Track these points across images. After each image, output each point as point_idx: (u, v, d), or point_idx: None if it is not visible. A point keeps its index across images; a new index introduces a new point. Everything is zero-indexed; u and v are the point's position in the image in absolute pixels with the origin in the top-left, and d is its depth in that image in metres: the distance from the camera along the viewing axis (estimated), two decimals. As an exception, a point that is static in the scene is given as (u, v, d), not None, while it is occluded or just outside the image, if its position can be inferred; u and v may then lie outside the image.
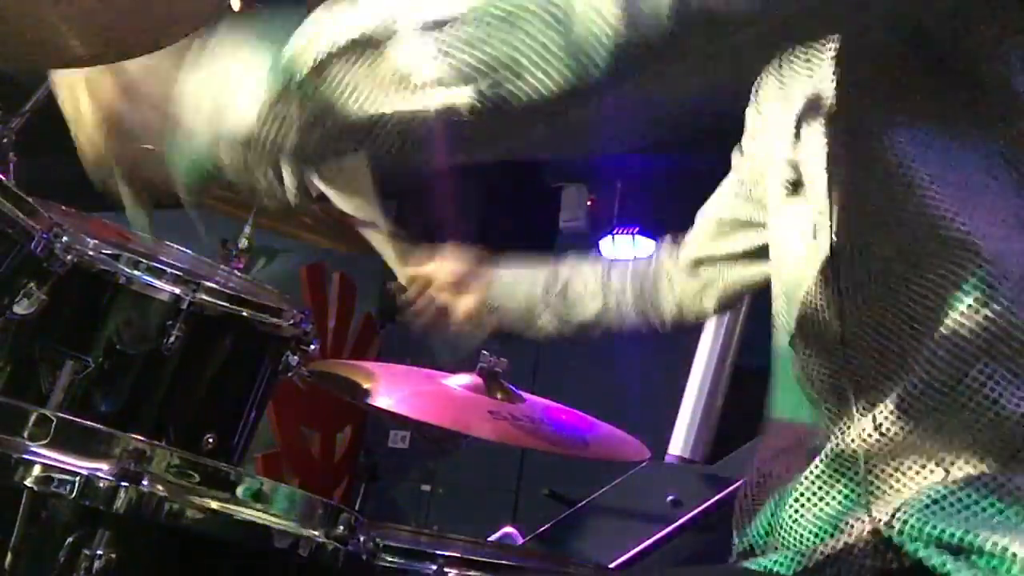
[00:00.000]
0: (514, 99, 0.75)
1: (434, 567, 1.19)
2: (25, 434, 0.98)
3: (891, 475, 0.93)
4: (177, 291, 1.45)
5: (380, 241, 1.49)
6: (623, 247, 4.64)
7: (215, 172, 0.85)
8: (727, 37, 0.76)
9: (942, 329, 0.90)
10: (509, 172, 4.90)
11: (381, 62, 0.78)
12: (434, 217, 4.74)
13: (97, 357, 1.43)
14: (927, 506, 0.89)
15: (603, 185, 4.82)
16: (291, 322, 1.60)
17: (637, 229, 4.60)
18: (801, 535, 0.98)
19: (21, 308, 1.32)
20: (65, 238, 1.35)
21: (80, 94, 0.97)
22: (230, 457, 1.57)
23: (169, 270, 1.47)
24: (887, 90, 0.96)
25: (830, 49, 1.03)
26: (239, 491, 1.04)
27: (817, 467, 0.99)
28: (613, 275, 1.58)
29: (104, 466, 0.98)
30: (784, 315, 1.12)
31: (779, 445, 1.12)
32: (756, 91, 1.29)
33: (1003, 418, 0.88)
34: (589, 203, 4.78)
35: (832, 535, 0.95)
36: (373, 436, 4.96)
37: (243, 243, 2.10)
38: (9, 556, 0.94)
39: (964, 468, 0.89)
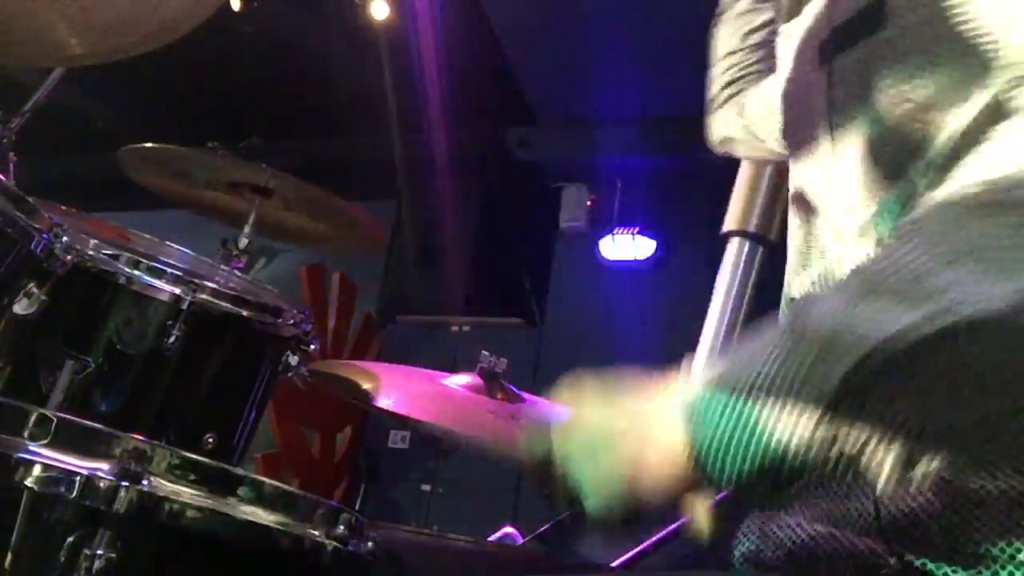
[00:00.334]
0: None
1: None
2: (25, 434, 0.98)
3: None
4: (177, 291, 1.45)
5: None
6: (623, 247, 4.63)
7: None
8: None
9: None
10: (509, 172, 4.89)
11: None
12: (434, 217, 4.75)
13: (97, 357, 1.43)
14: None
15: (603, 185, 4.80)
16: (291, 322, 1.60)
17: (637, 229, 4.59)
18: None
19: (21, 308, 1.32)
20: (65, 238, 1.35)
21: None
22: (230, 457, 1.57)
23: (169, 270, 1.47)
24: None
25: None
26: (239, 491, 1.04)
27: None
28: None
29: (104, 466, 0.98)
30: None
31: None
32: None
33: None
34: (589, 203, 4.77)
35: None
36: (373, 436, 4.95)
37: (243, 243, 2.10)
38: (9, 556, 0.94)
39: None
